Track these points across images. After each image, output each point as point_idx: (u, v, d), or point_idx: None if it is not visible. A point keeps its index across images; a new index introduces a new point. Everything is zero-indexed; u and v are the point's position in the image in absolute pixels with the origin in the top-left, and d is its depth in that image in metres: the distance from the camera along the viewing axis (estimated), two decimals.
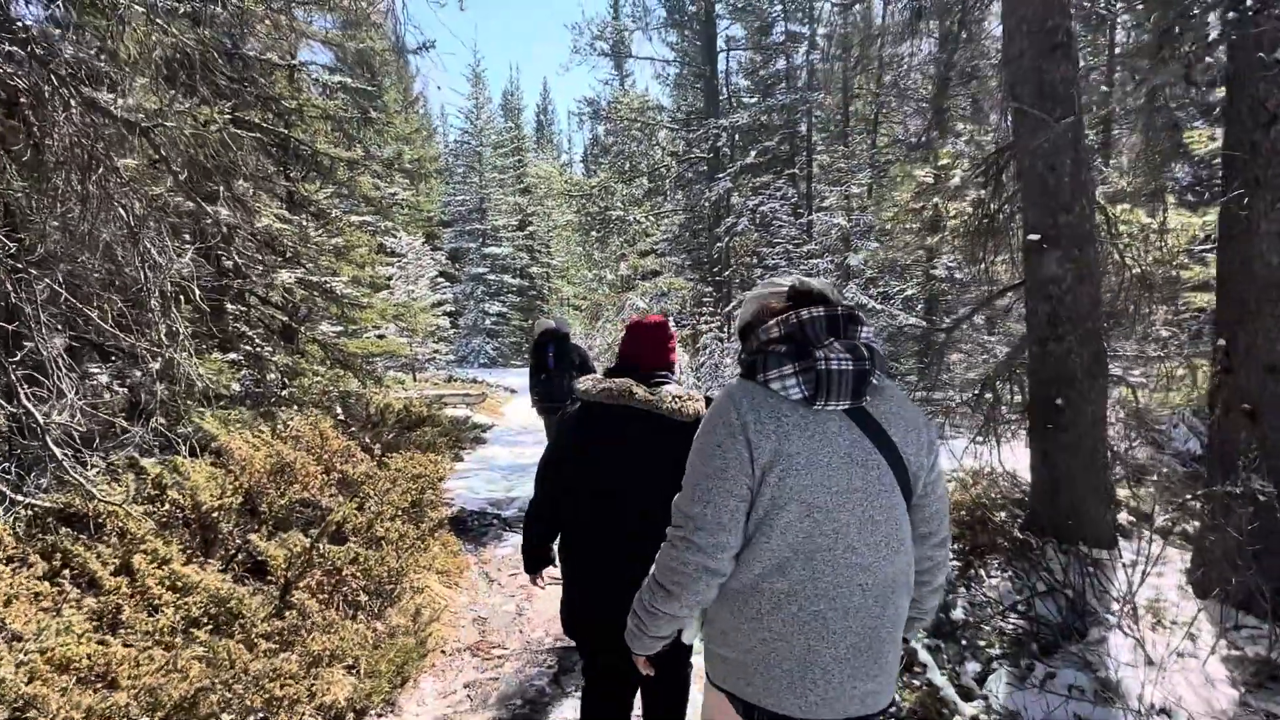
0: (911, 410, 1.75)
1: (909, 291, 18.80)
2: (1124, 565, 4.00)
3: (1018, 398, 6.08)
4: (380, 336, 21.36)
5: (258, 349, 10.78)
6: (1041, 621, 3.64)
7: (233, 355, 9.97)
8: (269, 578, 3.90)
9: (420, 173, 35.59)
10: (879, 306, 17.24)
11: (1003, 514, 4.71)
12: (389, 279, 22.29)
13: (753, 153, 17.72)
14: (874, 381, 1.66)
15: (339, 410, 8.39)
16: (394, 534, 4.15)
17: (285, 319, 11.55)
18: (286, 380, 11.10)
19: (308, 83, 11.76)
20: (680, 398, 2.33)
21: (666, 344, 2.55)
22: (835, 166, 17.05)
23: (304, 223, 11.25)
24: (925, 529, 1.77)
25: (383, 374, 12.95)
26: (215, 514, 4.17)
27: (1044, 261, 4.36)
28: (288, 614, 3.66)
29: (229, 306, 10.48)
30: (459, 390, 18.44)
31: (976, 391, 6.17)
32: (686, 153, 19.78)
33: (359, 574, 3.87)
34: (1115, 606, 3.69)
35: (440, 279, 28.22)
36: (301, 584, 3.88)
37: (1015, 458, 6.63)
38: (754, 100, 18.92)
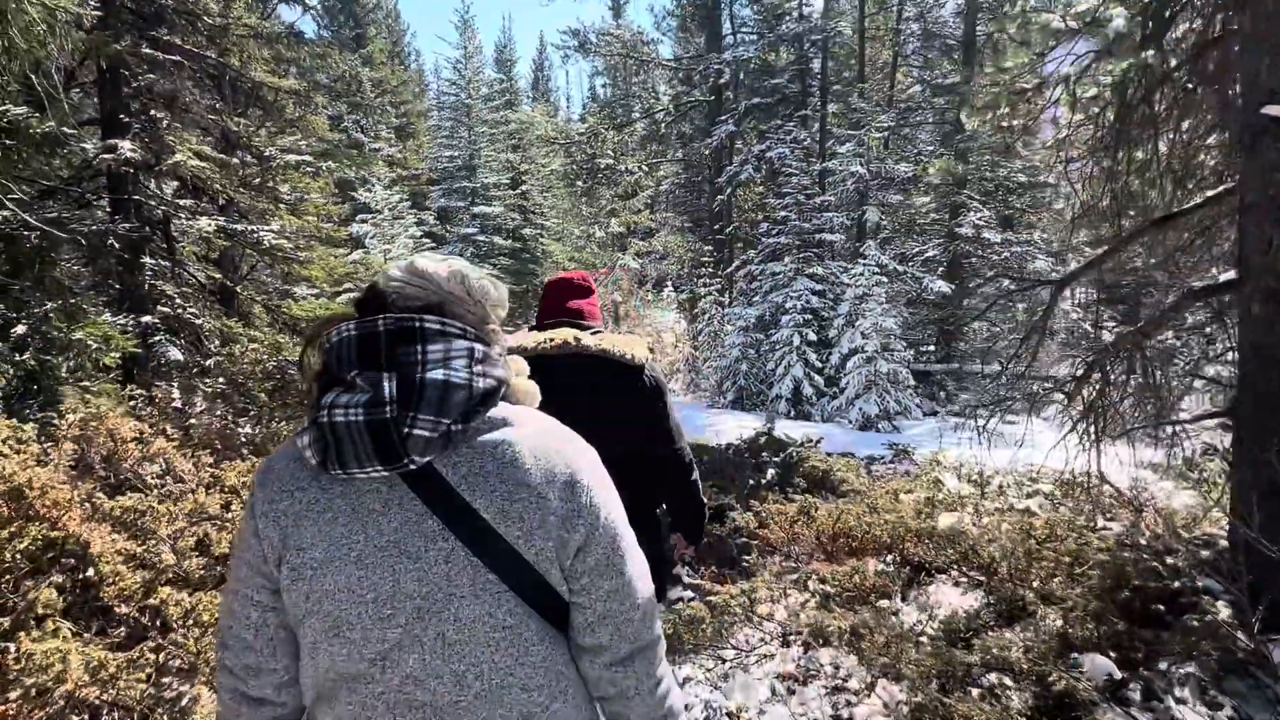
0: (531, 461, 1.05)
1: (929, 253, 17.05)
2: None
3: (1135, 380, 4.47)
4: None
5: (178, 310, 9.31)
6: None
7: (147, 318, 8.54)
8: None
9: (407, 125, 33.76)
10: (899, 268, 15.48)
11: (1182, 580, 3.02)
12: (364, 236, 20.60)
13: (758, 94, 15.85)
14: (424, 433, 0.98)
15: (174, 390, 6.71)
16: (176, 607, 2.52)
17: (219, 276, 10.03)
18: (217, 348, 9.66)
19: None
20: (624, 342, 2.29)
21: (590, 297, 2.51)
22: (854, 109, 15.15)
23: (240, 163, 9.68)
24: (590, 640, 1.12)
25: None
26: None
27: None
28: None
29: (147, 260, 9.01)
30: None
31: (1078, 373, 4.53)
32: (685, 97, 17.86)
33: (95, 683, 2.24)
34: None
35: (426, 240, 26.43)
36: None
37: (1118, 466, 4.98)
38: (759, 36, 16.93)
